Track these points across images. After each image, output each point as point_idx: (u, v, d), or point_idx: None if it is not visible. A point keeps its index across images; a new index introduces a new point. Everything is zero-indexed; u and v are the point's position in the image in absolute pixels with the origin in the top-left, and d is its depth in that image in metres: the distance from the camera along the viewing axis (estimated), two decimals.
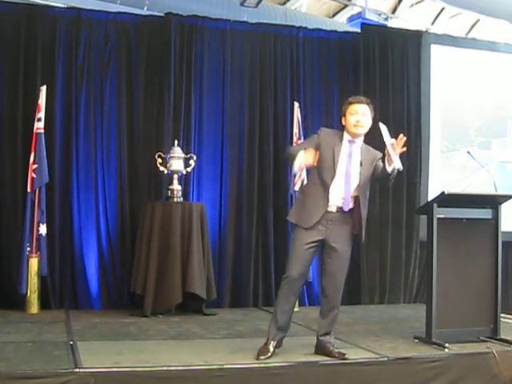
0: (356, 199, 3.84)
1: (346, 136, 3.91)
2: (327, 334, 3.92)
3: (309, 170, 5.84)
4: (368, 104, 3.94)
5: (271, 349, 3.77)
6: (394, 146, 3.72)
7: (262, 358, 3.69)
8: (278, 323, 3.85)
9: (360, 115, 3.87)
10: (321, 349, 3.89)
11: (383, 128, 3.77)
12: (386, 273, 6.59)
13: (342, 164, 3.83)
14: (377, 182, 4.13)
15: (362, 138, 3.95)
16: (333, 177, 3.80)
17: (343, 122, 3.95)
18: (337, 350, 3.83)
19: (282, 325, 3.86)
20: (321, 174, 3.84)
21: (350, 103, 3.92)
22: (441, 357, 3.93)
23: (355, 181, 3.83)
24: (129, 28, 6.08)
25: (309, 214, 3.81)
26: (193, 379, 3.47)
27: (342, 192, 3.80)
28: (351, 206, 3.81)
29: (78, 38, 5.88)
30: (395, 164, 3.71)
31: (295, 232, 3.90)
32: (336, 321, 3.95)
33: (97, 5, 6.66)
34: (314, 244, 3.82)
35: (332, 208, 3.81)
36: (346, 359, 3.74)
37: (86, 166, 5.87)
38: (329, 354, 3.81)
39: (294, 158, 3.70)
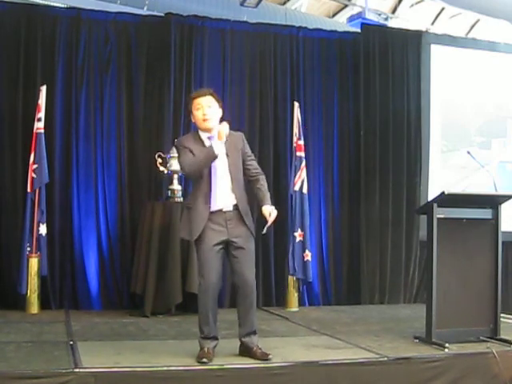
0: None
1: (203, 134, 3.81)
2: (248, 334, 3.79)
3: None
4: (212, 94, 3.83)
5: (211, 355, 3.66)
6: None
7: (204, 360, 3.58)
8: (210, 335, 3.76)
9: (206, 108, 3.76)
10: (245, 350, 3.80)
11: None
12: (386, 273, 6.59)
13: (215, 163, 3.72)
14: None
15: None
16: (209, 181, 3.72)
17: (193, 120, 3.87)
18: (260, 351, 3.72)
19: (213, 336, 3.78)
20: (199, 184, 3.77)
21: (193, 98, 3.82)
22: (441, 357, 3.92)
23: (227, 175, 3.75)
24: (129, 28, 6.08)
25: (194, 224, 3.74)
26: (193, 379, 3.47)
27: (228, 189, 3.74)
28: (236, 200, 3.75)
29: (78, 38, 5.88)
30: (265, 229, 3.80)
31: (198, 240, 3.76)
32: (254, 322, 3.82)
33: (97, 5, 6.68)
34: (220, 246, 3.74)
35: (228, 208, 3.73)
36: (268, 360, 3.65)
37: (85, 166, 5.87)
38: (252, 355, 3.72)
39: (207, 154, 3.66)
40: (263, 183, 3.88)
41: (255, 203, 4.00)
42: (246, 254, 3.80)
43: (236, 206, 3.76)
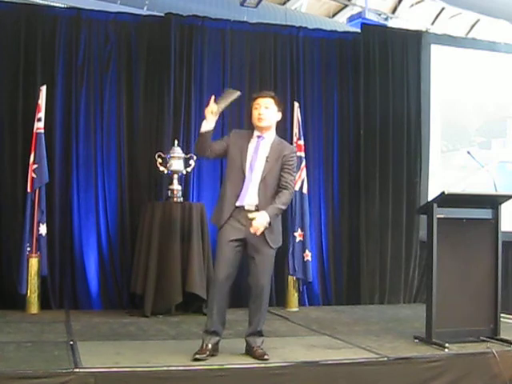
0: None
1: (256, 132, 3.91)
2: (253, 334, 3.83)
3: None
4: (273, 97, 3.92)
5: (208, 352, 3.70)
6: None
7: (198, 356, 3.63)
8: (210, 329, 3.79)
9: (262, 108, 3.86)
10: (247, 350, 3.85)
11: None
12: (386, 273, 6.59)
13: (249, 161, 3.82)
14: None
15: (272, 133, 3.92)
16: (242, 177, 3.79)
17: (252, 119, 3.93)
18: (260, 351, 3.75)
19: (214, 330, 3.79)
20: (230, 175, 3.86)
21: (254, 98, 3.93)
22: (441, 357, 3.93)
23: (258, 176, 3.79)
24: (129, 28, 6.09)
25: (221, 212, 3.82)
26: (193, 379, 3.47)
27: (255, 190, 3.77)
28: (258, 203, 3.75)
29: (78, 38, 5.88)
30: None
31: (218, 235, 3.86)
32: (260, 323, 3.84)
33: (97, 5, 6.67)
34: (236, 243, 3.77)
35: (250, 207, 3.77)
36: (265, 360, 3.67)
37: (85, 166, 5.87)
38: (252, 354, 3.76)
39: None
40: (281, 196, 3.79)
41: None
42: (262, 256, 3.80)
43: (257, 209, 3.76)
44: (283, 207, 3.80)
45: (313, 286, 6.39)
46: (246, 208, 3.78)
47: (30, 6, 6.45)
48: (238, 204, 3.79)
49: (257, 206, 3.77)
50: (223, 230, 3.82)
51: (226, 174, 3.98)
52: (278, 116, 3.96)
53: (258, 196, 3.78)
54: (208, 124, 3.79)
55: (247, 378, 3.55)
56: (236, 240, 3.78)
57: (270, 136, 3.91)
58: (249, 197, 3.78)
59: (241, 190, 3.79)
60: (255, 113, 3.88)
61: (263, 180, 3.80)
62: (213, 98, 3.77)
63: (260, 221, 3.68)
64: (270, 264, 3.86)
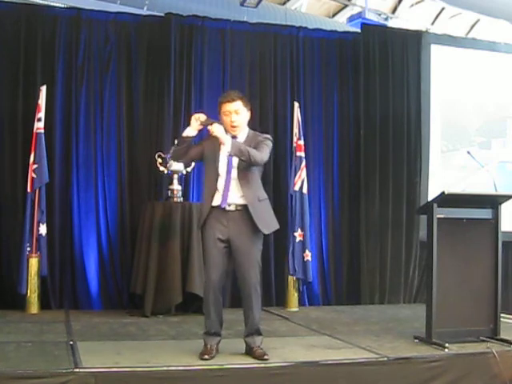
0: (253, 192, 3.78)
1: (229, 134, 3.79)
2: (250, 334, 3.82)
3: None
4: (241, 98, 3.80)
5: (213, 352, 3.73)
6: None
7: (206, 357, 3.65)
8: (211, 330, 3.81)
9: (233, 115, 3.77)
10: (247, 350, 3.85)
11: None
12: (386, 273, 6.59)
13: (223, 161, 3.77)
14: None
15: (245, 131, 3.87)
16: (217, 177, 3.77)
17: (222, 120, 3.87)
18: (260, 351, 3.75)
19: (215, 332, 3.81)
20: (205, 177, 3.86)
21: (221, 103, 3.81)
22: (441, 357, 3.92)
23: (235, 174, 3.75)
24: (129, 28, 6.09)
25: (201, 214, 3.85)
26: (193, 379, 3.47)
27: (236, 190, 3.74)
28: (243, 201, 3.74)
29: (78, 38, 5.88)
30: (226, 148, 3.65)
31: (202, 237, 3.88)
32: (255, 322, 3.81)
33: (97, 5, 6.67)
34: (223, 244, 3.76)
35: (230, 207, 3.75)
36: (265, 360, 3.66)
37: (85, 166, 5.88)
38: (252, 354, 3.76)
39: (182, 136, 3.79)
40: (251, 149, 3.71)
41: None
42: (246, 255, 3.78)
43: (241, 207, 3.75)
44: (246, 151, 3.64)
45: (313, 286, 6.39)
46: (228, 209, 3.76)
47: (30, 6, 6.46)
48: (216, 204, 3.76)
49: (239, 205, 3.74)
50: (204, 230, 3.80)
51: (204, 175, 3.93)
52: (248, 116, 3.88)
53: (243, 190, 3.74)
54: (191, 130, 3.78)
55: (247, 377, 3.54)
56: (221, 241, 3.76)
57: (243, 134, 3.86)
58: (230, 198, 3.75)
59: (216, 191, 3.77)
60: (226, 119, 3.78)
61: (240, 174, 3.75)
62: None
63: (222, 132, 3.66)
64: (255, 262, 3.81)
